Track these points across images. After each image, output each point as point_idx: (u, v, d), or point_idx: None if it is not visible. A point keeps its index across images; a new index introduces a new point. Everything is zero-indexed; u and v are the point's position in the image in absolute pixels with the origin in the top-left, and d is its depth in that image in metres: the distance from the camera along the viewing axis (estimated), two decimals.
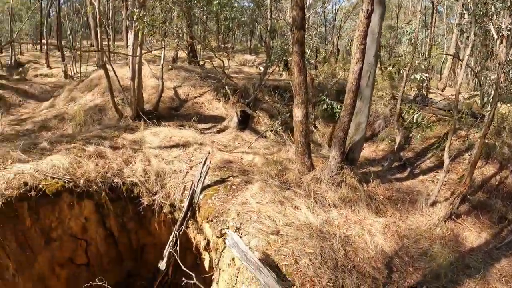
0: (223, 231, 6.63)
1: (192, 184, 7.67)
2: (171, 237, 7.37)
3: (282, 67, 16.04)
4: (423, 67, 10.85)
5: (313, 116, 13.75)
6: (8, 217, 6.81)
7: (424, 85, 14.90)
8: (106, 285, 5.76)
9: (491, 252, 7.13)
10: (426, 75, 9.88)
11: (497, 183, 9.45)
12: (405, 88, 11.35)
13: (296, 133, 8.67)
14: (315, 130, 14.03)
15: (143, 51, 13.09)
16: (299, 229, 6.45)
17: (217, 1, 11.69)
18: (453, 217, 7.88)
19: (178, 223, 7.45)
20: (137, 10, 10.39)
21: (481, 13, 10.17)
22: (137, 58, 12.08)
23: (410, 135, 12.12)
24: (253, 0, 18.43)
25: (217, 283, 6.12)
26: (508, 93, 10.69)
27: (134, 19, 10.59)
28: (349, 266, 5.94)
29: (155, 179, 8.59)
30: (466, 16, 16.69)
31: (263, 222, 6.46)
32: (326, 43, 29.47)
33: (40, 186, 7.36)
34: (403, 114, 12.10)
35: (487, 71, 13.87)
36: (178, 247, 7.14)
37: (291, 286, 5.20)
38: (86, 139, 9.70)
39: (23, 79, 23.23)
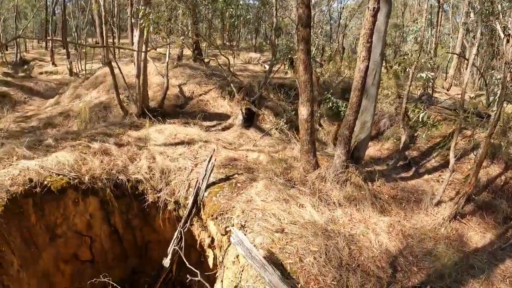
0: (227, 229, 6.63)
1: (197, 182, 7.67)
2: (176, 234, 7.36)
3: (287, 65, 16.03)
4: (429, 65, 10.78)
5: (318, 115, 13.74)
6: (13, 213, 6.84)
7: (430, 84, 14.84)
8: (111, 282, 5.76)
9: (495, 253, 7.08)
10: (432, 74, 9.82)
11: (502, 183, 9.38)
12: (411, 87, 11.29)
13: (301, 131, 8.65)
14: (320, 129, 14.02)
15: (148, 48, 13.09)
16: (304, 227, 6.44)
17: None
18: (458, 217, 7.84)
19: (183, 220, 7.44)
20: (142, 8, 10.39)
21: (487, 12, 10.11)
22: (143, 55, 12.09)
23: (415, 134, 12.07)
24: None
25: (222, 281, 6.12)
26: None
27: (140, 17, 10.59)
28: (354, 265, 5.92)
29: (160, 176, 8.61)
30: (472, 15, 16.62)
31: (268, 220, 6.46)
32: (331, 41, 29.41)
33: (45, 182, 7.41)
34: (408, 113, 12.06)
35: (493, 71, 13.81)
36: (183, 244, 7.13)
37: (296, 284, 5.19)
38: (91, 136, 9.73)
39: (28, 76, 23.36)
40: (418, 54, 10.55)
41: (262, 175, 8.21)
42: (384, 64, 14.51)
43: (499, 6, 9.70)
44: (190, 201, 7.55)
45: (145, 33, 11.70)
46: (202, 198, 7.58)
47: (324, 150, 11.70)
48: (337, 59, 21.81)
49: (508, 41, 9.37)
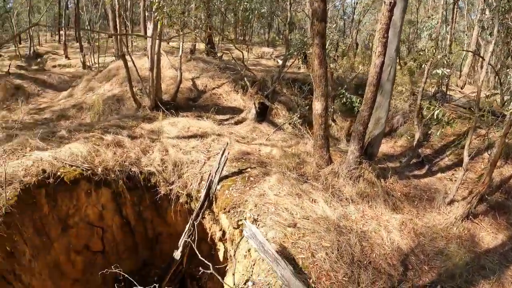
0: (240, 222, 6.63)
1: (209, 175, 7.66)
2: (187, 226, 7.37)
3: (301, 59, 15.95)
4: (444, 62, 10.65)
5: (332, 110, 13.67)
6: (26, 204, 6.90)
7: (444, 81, 14.68)
8: (122, 272, 5.77)
9: (507, 254, 7.00)
10: (448, 70, 9.69)
11: None
12: (425, 84, 11.18)
13: (315, 126, 8.61)
14: (333, 124, 13.96)
15: (163, 38, 13.10)
16: (316, 222, 6.42)
17: None
18: (470, 216, 7.75)
19: (195, 213, 7.45)
20: (156, 1, 10.40)
21: (503, 9, 9.95)
22: (156, 48, 12.12)
23: (429, 132, 11.97)
24: None
25: (233, 274, 6.11)
26: None
27: (154, 9, 10.61)
28: (365, 262, 5.90)
29: (172, 169, 8.62)
30: (487, 12, 16.38)
31: (280, 215, 6.44)
32: (345, 36, 29.22)
33: (58, 173, 7.47)
34: (422, 110, 11.94)
35: (508, 69, 13.59)
36: (195, 237, 7.14)
37: (307, 279, 5.18)
38: (104, 128, 9.79)
39: (42, 69, 23.59)
40: (434, 50, 10.42)
41: (275, 169, 8.19)
42: (397, 60, 14.38)
43: None
44: (202, 194, 7.55)
45: (158, 26, 11.72)
46: (215, 191, 7.58)
47: (337, 145, 11.65)
48: (351, 54, 21.70)
49: None
